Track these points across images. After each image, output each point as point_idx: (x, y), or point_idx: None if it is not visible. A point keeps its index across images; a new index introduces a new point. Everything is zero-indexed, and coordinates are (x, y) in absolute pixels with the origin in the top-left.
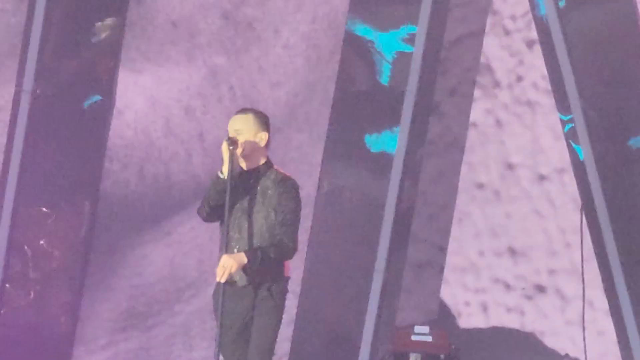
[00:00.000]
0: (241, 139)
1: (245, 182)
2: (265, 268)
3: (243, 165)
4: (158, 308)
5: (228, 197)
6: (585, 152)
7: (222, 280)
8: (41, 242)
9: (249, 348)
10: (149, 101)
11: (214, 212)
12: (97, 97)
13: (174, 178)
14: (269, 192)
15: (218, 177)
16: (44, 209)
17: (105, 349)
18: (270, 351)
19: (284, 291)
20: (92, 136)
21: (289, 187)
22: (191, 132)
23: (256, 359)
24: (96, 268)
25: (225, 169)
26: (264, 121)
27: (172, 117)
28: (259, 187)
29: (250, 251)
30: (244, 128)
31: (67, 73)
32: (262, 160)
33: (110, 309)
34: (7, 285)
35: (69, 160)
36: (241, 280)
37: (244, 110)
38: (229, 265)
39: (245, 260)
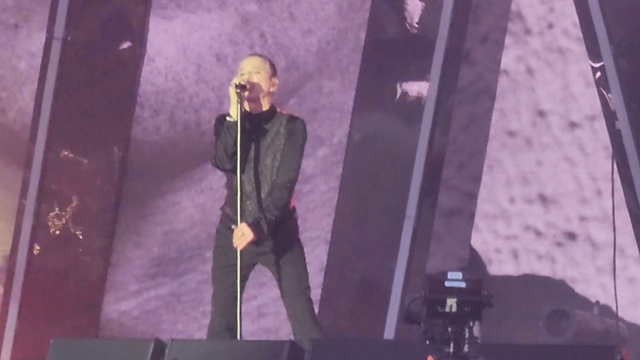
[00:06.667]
0: (256, 78)
1: (252, 125)
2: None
3: (247, 107)
4: (189, 254)
5: (240, 140)
6: (616, 99)
7: (240, 248)
8: (72, 189)
9: (287, 297)
10: (180, 48)
11: (233, 159)
12: (128, 44)
13: (205, 125)
14: (279, 137)
15: (229, 122)
16: (75, 156)
17: (136, 295)
18: (309, 292)
19: (296, 226)
20: (122, 83)
21: (299, 124)
22: (222, 79)
23: (303, 305)
24: (127, 215)
25: (234, 111)
26: (275, 69)
27: (203, 64)
28: (266, 131)
29: (253, 225)
30: (262, 68)
31: (98, 20)
32: (268, 106)
33: (141, 255)
34: (38, 231)
35: (100, 107)
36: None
37: (259, 54)
38: (248, 235)
39: (252, 235)
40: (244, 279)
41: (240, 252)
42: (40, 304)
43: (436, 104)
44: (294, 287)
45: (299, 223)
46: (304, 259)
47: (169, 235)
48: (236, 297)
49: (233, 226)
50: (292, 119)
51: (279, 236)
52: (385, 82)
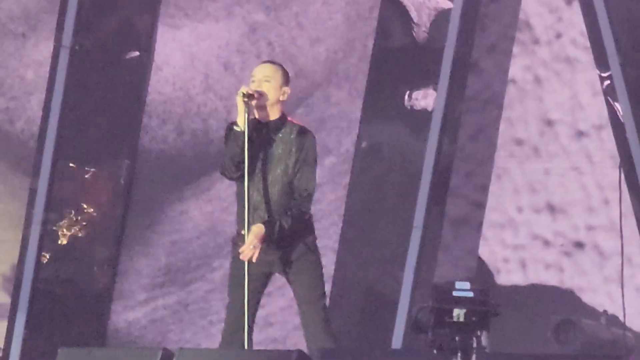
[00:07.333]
0: (265, 87)
1: (260, 133)
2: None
3: (256, 115)
4: (197, 263)
5: (247, 149)
6: (623, 108)
7: (254, 260)
8: (80, 198)
9: (301, 304)
10: (188, 57)
11: (239, 168)
12: (136, 53)
13: (213, 134)
14: (289, 147)
15: (236, 131)
16: (82, 165)
17: (143, 305)
18: (325, 300)
19: (312, 234)
20: (130, 92)
21: (310, 139)
22: (230, 89)
23: (315, 314)
24: (135, 224)
25: (241, 120)
26: (288, 77)
27: (211, 73)
28: (276, 141)
29: (268, 223)
30: (273, 77)
31: (106, 29)
32: (277, 114)
33: (149, 264)
34: (46, 240)
35: (108, 116)
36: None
37: (272, 62)
38: (259, 232)
39: (262, 231)
40: (261, 288)
41: (253, 262)
42: (48, 313)
43: (444, 113)
44: (307, 295)
45: None
46: (320, 267)
47: (176, 244)
48: (251, 308)
49: (242, 231)
50: (302, 131)
51: (294, 244)
52: (393, 91)
